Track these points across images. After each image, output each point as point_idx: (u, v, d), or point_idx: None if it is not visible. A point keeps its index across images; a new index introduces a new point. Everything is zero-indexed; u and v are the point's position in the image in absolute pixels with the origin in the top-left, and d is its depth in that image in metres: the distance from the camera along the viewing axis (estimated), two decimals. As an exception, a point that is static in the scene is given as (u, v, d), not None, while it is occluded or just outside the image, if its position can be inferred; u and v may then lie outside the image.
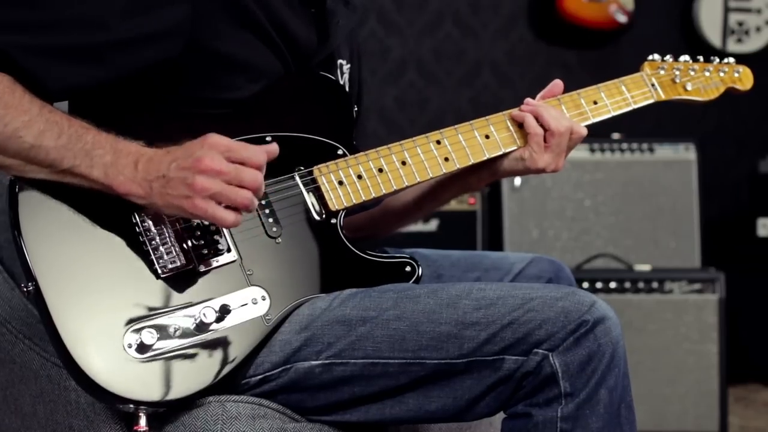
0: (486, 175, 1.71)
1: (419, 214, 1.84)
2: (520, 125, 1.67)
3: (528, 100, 1.69)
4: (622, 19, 3.90)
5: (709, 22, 4.05)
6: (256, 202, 1.39)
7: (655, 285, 3.21)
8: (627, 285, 3.22)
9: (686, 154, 3.50)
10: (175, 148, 1.38)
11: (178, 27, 1.44)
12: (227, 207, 1.36)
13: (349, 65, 1.77)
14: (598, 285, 3.22)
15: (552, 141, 1.65)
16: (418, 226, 3.32)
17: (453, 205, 3.34)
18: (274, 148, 1.44)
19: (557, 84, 1.73)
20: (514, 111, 1.68)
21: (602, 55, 4.07)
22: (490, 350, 1.39)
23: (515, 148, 1.67)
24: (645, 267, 3.31)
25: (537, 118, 1.65)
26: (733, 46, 4.04)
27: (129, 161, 1.36)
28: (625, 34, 3.98)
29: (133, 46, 1.42)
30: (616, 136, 3.50)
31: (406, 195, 1.79)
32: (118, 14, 1.40)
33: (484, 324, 1.39)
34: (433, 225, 3.34)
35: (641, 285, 3.21)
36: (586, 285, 3.21)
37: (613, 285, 3.22)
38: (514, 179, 3.44)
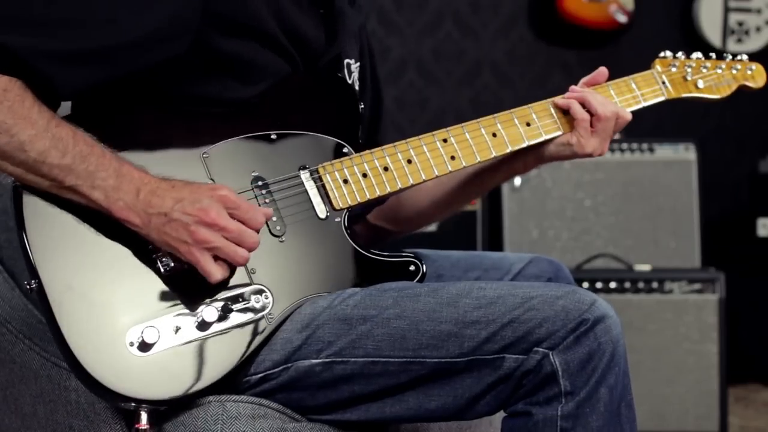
0: (532, 161, 1.72)
1: (465, 201, 1.85)
2: (564, 111, 1.68)
3: (573, 87, 1.70)
4: (622, 19, 3.90)
5: (709, 22, 4.05)
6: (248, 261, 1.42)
7: (655, 285, 3.21)
8: (627, 285, 3.22)
9: (686, 154, 3.50)
10: (180, 184, 1.39)
11: (188, 24, 1.44)
12: (217, 259, 1.39)
13: (357, 64, 1.77)
14: (598, 285, 3.22)
15: (598, 126, 1.66)
16: (418, 226, 3.32)
17: (453, 205, 3.34)
18: (270, 212, 1.46)
19: (602, 72, 1.74)
20: (558, 98, 1.69)
21: (602, 55, 4.07)
22: (490, 349, 1.39)
23: (558, 134, 1.67)
24: (645, 267, 3.31)
25: (583, 104, 1.66)
26: (733, 46, 4.04)
27: (131, 188, 1.36)
28: (625, 34, 3.98)
29: (143, 45, 1.42)
30: (616, 136, 3.49)
31: (450, 183, 1.80)
32: (130, 13, 1.40)
33: (484, 323, 1.39)
34: (433, 225, 3.34)
35: (641, 285, 3.21)
36: (586, 285, 3.20)
37: (613, 285, 3.22)
38: (514, 179, 3.44)
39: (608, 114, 1.66)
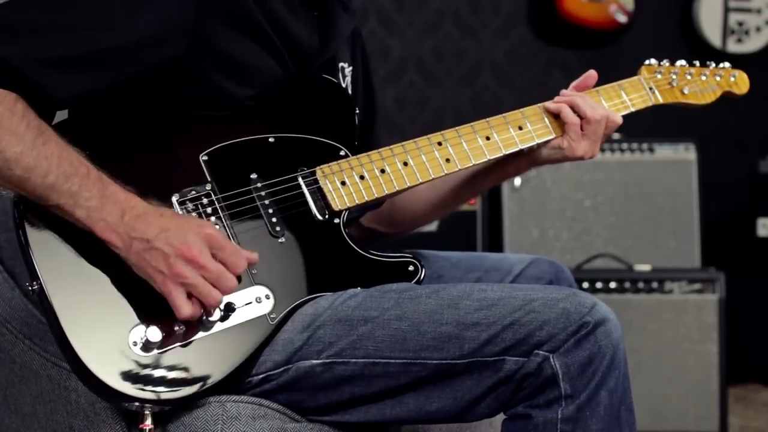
0: (524, 164, 1.73)
1: (457, 203, 1.85)
2: (555, 116, 1.69)
3: (563, 91, 1.71)
4: (622, 19, 3.90)
5: (709, 22, 4.05)
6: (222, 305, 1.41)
7: (655, 285, 3.21)
8: (627, 285, 3.22)
9: (686, 154, 3.50)
10: (169, 213, 1.39)
11: (182, 26, 1.44)
12: (191, 297, 1.37)
13: (351, 68, 1.77)
14: (598, 285, 3.22)
15: (589, 129, 1.67)
16: (417, 226, 3.32)
17: (453, 205, 3.34)
18: (255, 258, 1.44)
19: (591, 75, 1.75)
20: (549, 103, 1.69)
21: (602, 55, 4.07)
22: (490, 351, 1.39)
23: (551, 137, 1.68)
24: (645, 267, 3.30)
25: (573, 108, 1.67)
26: (733, 46, 4.04)
27: (115, 209, 1.35)
28: (625, 34, 3.98)
29: (139, 48, 1.42)
30: (616, 136, 3.50)
31: (443, 186, 1.80)
32: (124, 16, 1.40)
33: (485, 325, 1.39)
34: (433, 225, 3.33)
35: (641, 285, 3.21)
36: (586, 285, 3.21)
37: (613, 285, 3.22)
38: (514, 179, 3.44)
39: (598, 117, 1.66)
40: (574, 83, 1.76)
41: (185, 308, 1.36)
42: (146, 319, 1.37)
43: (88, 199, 1.34)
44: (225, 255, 1.38)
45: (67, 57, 1.37)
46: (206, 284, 1.36)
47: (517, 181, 3.44)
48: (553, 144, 1.69)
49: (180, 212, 1.44)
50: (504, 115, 1.68)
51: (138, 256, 1.35)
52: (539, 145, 1.69)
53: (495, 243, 3.44)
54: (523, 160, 1.72)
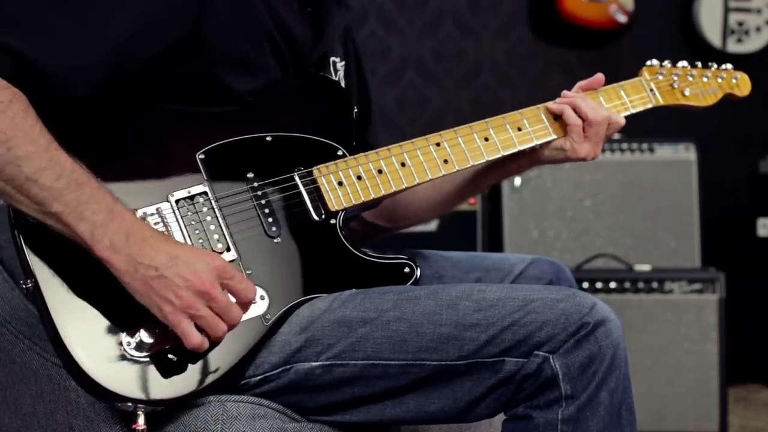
0: (526, 163, 1.74)
1: (459, 201, 1.87)
2: (555, 117, 1.70)
3: (565, 92, 1.73)
4: (622, 19, 3.90)
5: (709, 22, 4.05)
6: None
7: (655, 285, 3.21)
8: (627, 285, 3.22)
9: (686, 154, 3.50)
10: (173, 240, 1.38)
11: (186, 9, 1.44)
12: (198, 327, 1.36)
13: (343, 62, 1.78)
14: (598, 285, 3.22)
15: (590, 131, 1.68)
16: (418, 226, 3.32)
17: (453, 205, 3.34)
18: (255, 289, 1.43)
19: (598, 78, 1.76)
20: (551, 103, 1.70)
21: (602, 55, 4.07)
22: (490, 352, 1.39)
23: (550, 138, 1.69)
24: (645, 267, 3.31)
25: (575, 109, 1.68)
26: (733, 46, 4.04)
27: (121, 229, 1.32)
28: (625, 34, 3.98)
29: (143, 36, 1.41)
30: (616, 136, 3.48)
31: (444, 184, 1.81)
32: (129, 4, 1.40)
33: (484, 326, 1.39)
34: (433, 225, 3.34)
35: (641, 285, 3.21)
36: (586, 285, 3.21)
37: (613, 285, 3.22)
38: (514, 179, 3.44)
39: (599, 119, 1.68)
40: (580, 83, 1.77)
41: (195, 338, 1.34)
42: (140, 319, 1.37)
43: (95, 212, 1.32)
44: (235, 283, 1.36)
45: (80, 52, 1.36)
46: (214, 316, 1.35)
47: (517, 181, 3.45)
48: (555, 145, 1.70)
49: (178, 215, 1.43)
50: (503, 115, 1.68)
51: (144, 283, 1.32)
52: (541, 146, 1.70)
53: (495, 243, 3.44)
54: (525, 159, 1.73)
